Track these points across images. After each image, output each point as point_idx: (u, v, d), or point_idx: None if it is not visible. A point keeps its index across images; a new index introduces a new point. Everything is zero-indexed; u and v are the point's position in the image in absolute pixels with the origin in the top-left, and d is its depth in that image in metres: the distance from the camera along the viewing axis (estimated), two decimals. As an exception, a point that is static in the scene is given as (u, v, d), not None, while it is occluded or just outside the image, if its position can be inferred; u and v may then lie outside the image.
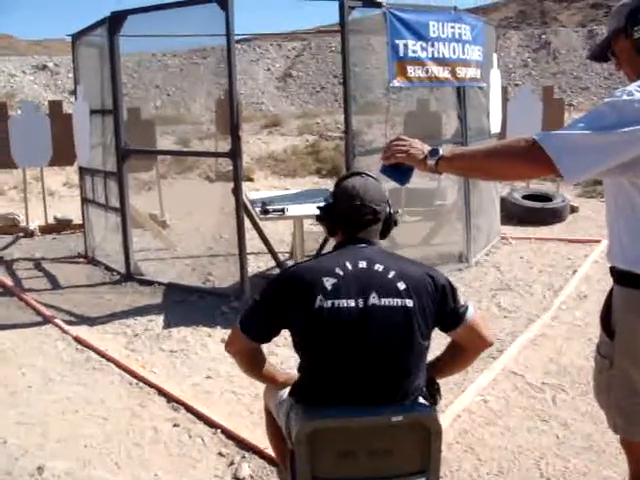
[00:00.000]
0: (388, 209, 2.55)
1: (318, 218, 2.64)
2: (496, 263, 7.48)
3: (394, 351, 2.34)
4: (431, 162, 2.30)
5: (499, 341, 5.19)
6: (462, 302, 2.47)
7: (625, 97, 2.05)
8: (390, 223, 2.58)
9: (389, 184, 2.70)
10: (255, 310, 2.47)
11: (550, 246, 8.18)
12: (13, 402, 4.43)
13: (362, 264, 2.39)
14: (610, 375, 2.34)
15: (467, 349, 2.58)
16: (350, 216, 2.50)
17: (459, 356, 2.63)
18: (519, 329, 5.46)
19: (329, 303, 2.31)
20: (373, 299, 2.32)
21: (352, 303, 2.31)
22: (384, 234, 2.60)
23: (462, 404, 4.16)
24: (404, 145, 2.38)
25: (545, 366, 4.79)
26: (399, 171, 2.45)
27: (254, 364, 2.64)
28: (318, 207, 2.63)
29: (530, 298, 6.27)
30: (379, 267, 2.38)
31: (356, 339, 2.31)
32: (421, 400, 2.45)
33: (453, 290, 2.46)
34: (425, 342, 2.41)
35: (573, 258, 7.58)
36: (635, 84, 2.10)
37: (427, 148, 2.35)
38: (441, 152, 2.30)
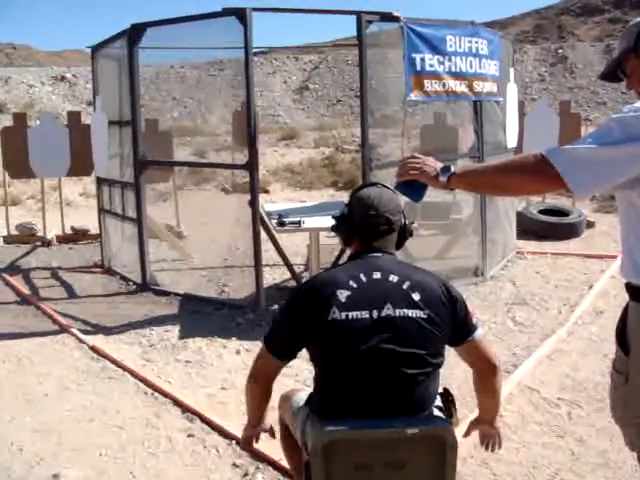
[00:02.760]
0: (403, 219, 2.57)
1: (333, 228, 2.66)
2: (512, 277, 7.46)
3: (409, 361, 2.34)
4: (443, 179, 2.34)
5: (514, 356, 5.18)
6: (474, 321, 2.52)
7: (632, 113, 2.08)
8: (405, 233, 2.59)
9: (404, 197, 2.71)
10: (276, 328, 2.52)
11: (566, 261, 8.15)
12: (29, 410, 4.46)
13: (376, 275, 2.40)
14: (626, 391, 2.33)
15: (475, 372, 2.60)
16: (365, 226, 2.52)
17: (475, 382, 2.64)
18: (534, 344, 5.44)
19: (343, 315, 2.32)
20: (387, 310, 2.33)
21: (366, 315, 2.33)
22: (399, 245, 2.61)
23: (477, 418, 4.14)
24: (417, 163, 2.42)
25: (561, 381, 4.77)
26: (413, 188, 2.47)
27: (262, 394, 2.62)
28: (333, 217, 2.65)
29: (546, 313, 6.24)
30: (394, 278, 2.39)
31: (371, 350, 2.32)
32: (437, 412, 2.46)
33: (465, 306, 2.49)
34: (440, 351, 2.42)
35: (589, 273, 7.55)
36: None
37: (439, 165, 2.38)
38: (453, 169, 2.33)
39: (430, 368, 2.39)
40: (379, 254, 2.48)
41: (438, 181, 2.35)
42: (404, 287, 2.38)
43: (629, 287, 2.30)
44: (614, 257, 7.89)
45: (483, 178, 2.31)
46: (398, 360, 2.33)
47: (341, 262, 3.00)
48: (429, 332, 2.35)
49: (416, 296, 2.36)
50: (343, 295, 2.35)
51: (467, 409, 4.22)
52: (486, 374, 2.58)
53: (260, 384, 2.59)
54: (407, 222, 2.59)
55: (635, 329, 2.27)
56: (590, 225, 10.04)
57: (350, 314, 2.32)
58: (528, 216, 9.67)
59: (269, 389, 2.61)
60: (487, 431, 2.73)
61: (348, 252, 2.67)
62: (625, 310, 2.36)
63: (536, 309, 6.34)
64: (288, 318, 2.45)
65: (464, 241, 7.96)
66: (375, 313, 2.33)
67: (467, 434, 2.77)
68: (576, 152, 2.10)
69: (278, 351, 2.49)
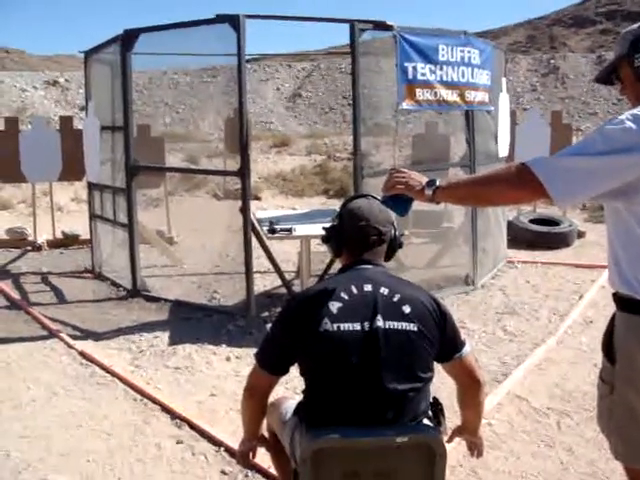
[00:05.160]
0: (393, 231, 2.58)
1: (324, 239, 2.67)
2: (502, 287, 7.47)
3: (399, 373, 2.34)
4: (428, 192, 2.35)
5: (504, 365, 5.19)
6: (462, 338, 2.53)
7: (614, 126, 2.10)
8: (395, 245, 2.60)
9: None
10: (268, 343, 2.51)
11: (557, 270, 8.17)
12: (17, 415, 4.44)
13: (367, 287, 2.41)
14: (611, 401, 2.34)
15: (459, 386, 2.62)
16: (356, 237, 2.53)
17: (459, 395, 2.66)
18: (524, 353, 5.45)
19: (335, 326, 2.32)
20: (378, 322, 2.33)
21: (357, 326, 2.33)
22: (389, 256, 2.62)
23: (466, 427, 4.14)
24: (403, 177, 2.42)
25: (550, 391, 4.77)
26: (399, 202, 2.47)
27: (257, 408, 2.62)
28: (324, 228, 2.65)
29: (536, 322, 6.25)
30: (384, 290, 2.40)
31: (361, 361, 2.32)
32: (426, 421, 2.46)
33: (454, 322, 2.51)
34: (430, 365, 2.42)
35: (580, 283, 7.56)
36: (629, 112, 2.14)
37: (425, 179, 2.39)
38: (438, 182, 2.34)
39: (420, 383, 2.39)
40: (369, 266, 2.50)
41: (424, 195, 2.36)
42: (394, 300, 2.38)
43: (616, 297, 2.32)
44: (604, 267, 7.82)
45: (467, 190, 2.33)
46: (388, 371, 2.32)
47: (332, 273, 3.00)
48: (419, 345, 2.36)
49: (406, 309, 2.37)
50: (335, 306, 2.35)
51: (457, 418, 4.23)
52: (470, 389, 2.60)
53: (255, 399, 2.58)
54: (397, 233, 2.60)
55: (621, 339, 2.29)
56: (581, 235, 10.07)
57: (342, 325, 2.33)
58: (519, 225, 9.69)
59: (264, 403, 2.61)
60: (470, 440, 2.77)
61: (339, 261, 2.68)
62: (612, 320, 2.37)
63: (526, 318, 6.35)
64: (280, 331, 2.45)
65: (455, 250, 7.97)
66: (366, 325, 2.33)
67: (450, 440, 2.78)
68: (558, 162, 2.13)
69: (270, 366, 2.49)
